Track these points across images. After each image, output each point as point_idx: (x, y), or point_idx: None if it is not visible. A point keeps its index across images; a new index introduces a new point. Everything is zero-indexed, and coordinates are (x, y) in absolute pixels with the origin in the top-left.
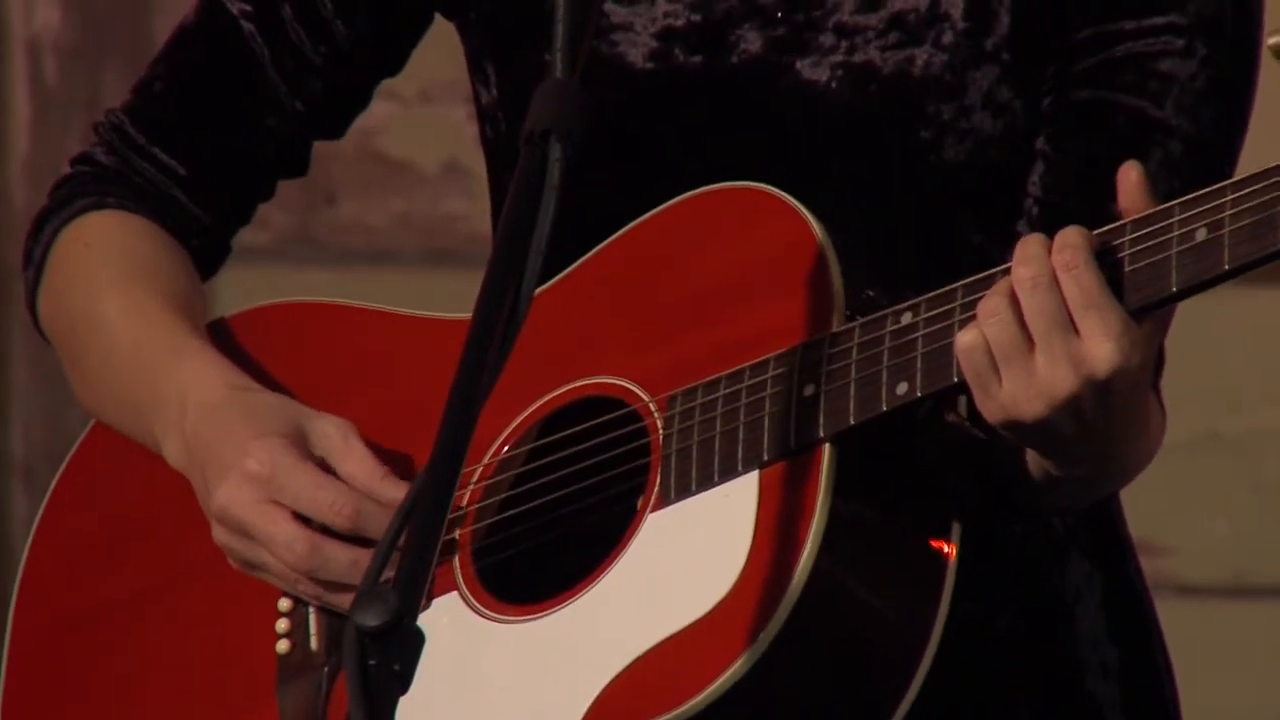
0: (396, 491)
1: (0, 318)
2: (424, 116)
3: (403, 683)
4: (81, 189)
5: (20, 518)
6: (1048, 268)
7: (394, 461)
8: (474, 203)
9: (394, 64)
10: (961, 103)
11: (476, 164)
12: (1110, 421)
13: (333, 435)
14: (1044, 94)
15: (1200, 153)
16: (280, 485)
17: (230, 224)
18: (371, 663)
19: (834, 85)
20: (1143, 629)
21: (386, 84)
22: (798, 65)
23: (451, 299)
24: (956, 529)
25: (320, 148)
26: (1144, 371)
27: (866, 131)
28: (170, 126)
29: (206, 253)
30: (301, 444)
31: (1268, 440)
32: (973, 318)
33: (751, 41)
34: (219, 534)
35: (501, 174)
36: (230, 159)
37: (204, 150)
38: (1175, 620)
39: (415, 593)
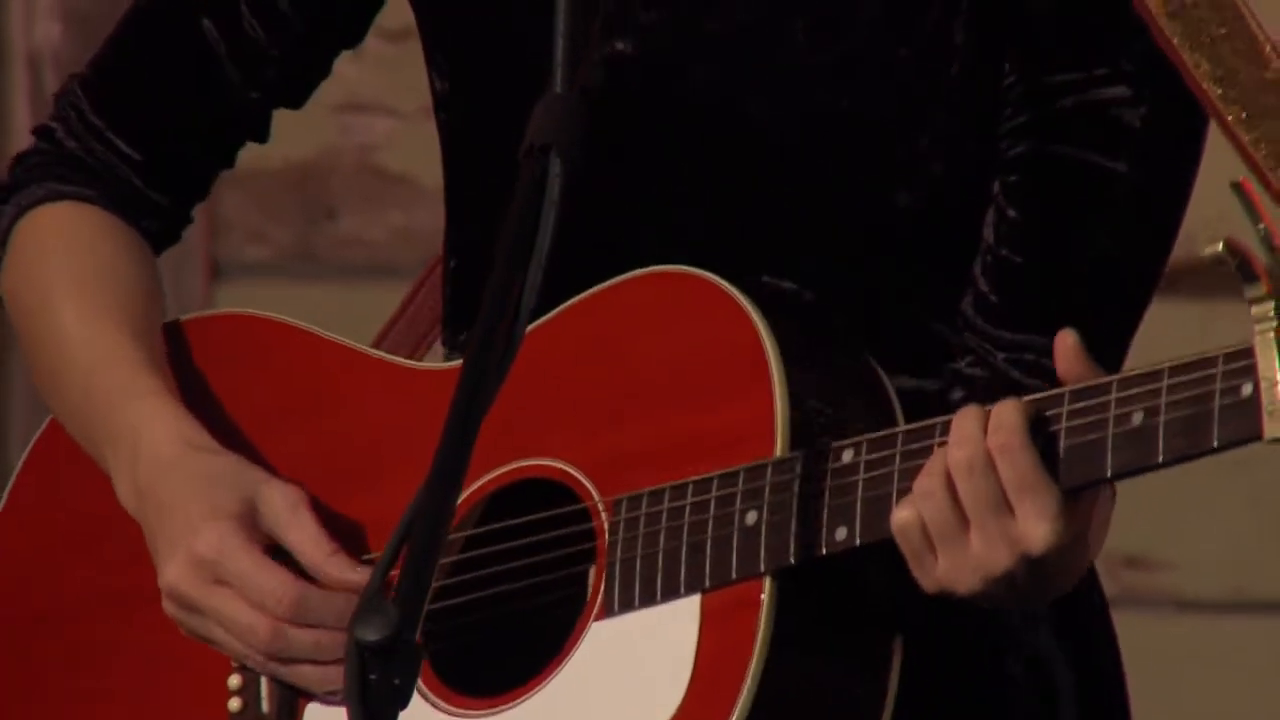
0: (341, 571)
1: None
2: (423, 131)
3: (402, 698)
4: (42, 171)
5: None
6: (983, 449)
7: (337, 504)
8: None
9: (352, 40)
10: (914, 146)
11: None
12: (1046, 584)
13: (280, 508)
14: (998, 140)
15: (1153, 200)
16: (226, 569)
17: (188, 201)
18: (372, 677)
19: (782, 124)
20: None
21: (386, 99)
22: (747, 102)
23: None
24: (899, 649)
25: (319, 162)
26: (1080, 541)
27: (815, 172)
28: (126, 113)
29: (166, 231)
30: (249, 522)
31: (1266, 453)
32: (912, 480)
33: (700, 75)
34: (169, 607)
35: (454, 162)
36: (187, 143)
37: (160, 136)
38: (1174, 635)
39: (415, 607)
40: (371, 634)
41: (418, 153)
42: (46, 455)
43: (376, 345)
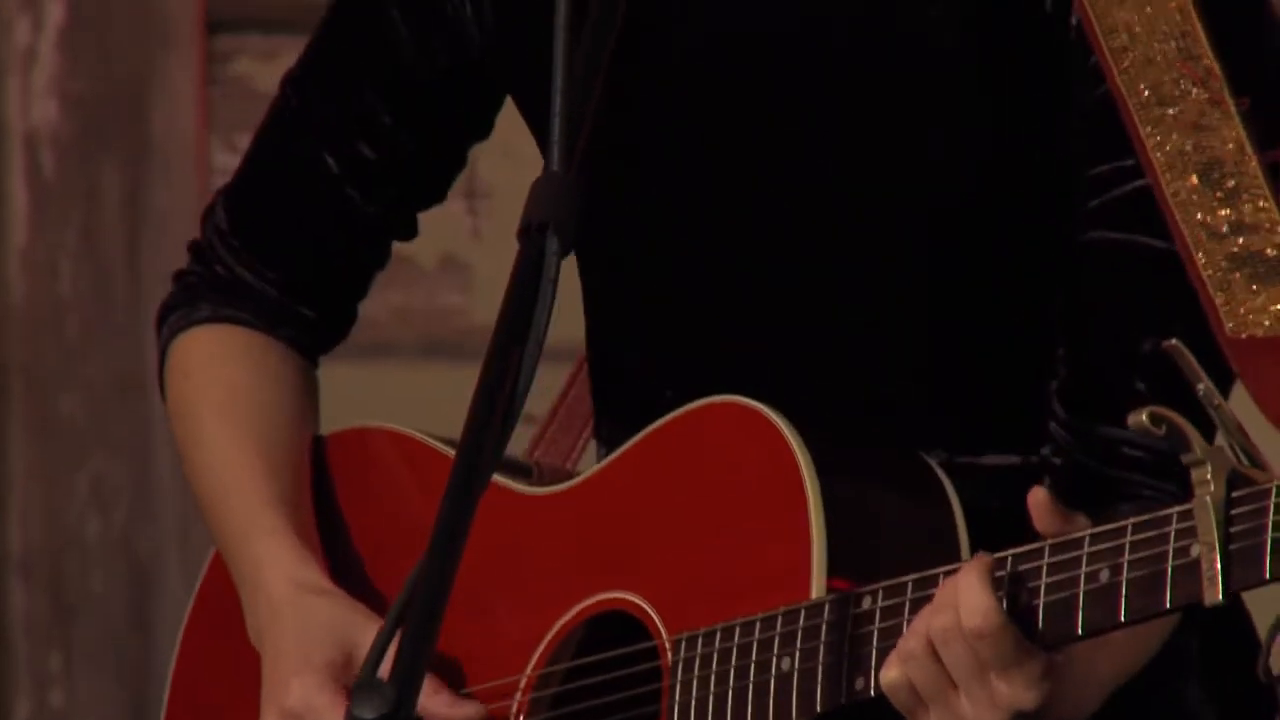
0: (441, 708)
1: None
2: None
3: None
4: (195, 292)
5: (19, 611)
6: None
7: (443, 635)
8: (472, 296)
9: (479, 135)
10: (997, 232)
11: (474, 258)
12: (1049, 715)
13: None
14: (1062, 229)
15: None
16: None
17: (342, 306)
18: None
19: (865, 210)
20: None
21: None
22: (831, 193)
23: (449, 392)
24: None
25: None
26: (1078, 686)
27: (903, 259)
28: (260, 236)
29: (324, 337)
30: (339, 674)
31: None
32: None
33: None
34: None
35: (584, 254)
36: (322, 260)
37: (295, 257)
38: None
39: (412, 686)
40: (368, 713)
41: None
42: (215, 584)
43: (534, 444)
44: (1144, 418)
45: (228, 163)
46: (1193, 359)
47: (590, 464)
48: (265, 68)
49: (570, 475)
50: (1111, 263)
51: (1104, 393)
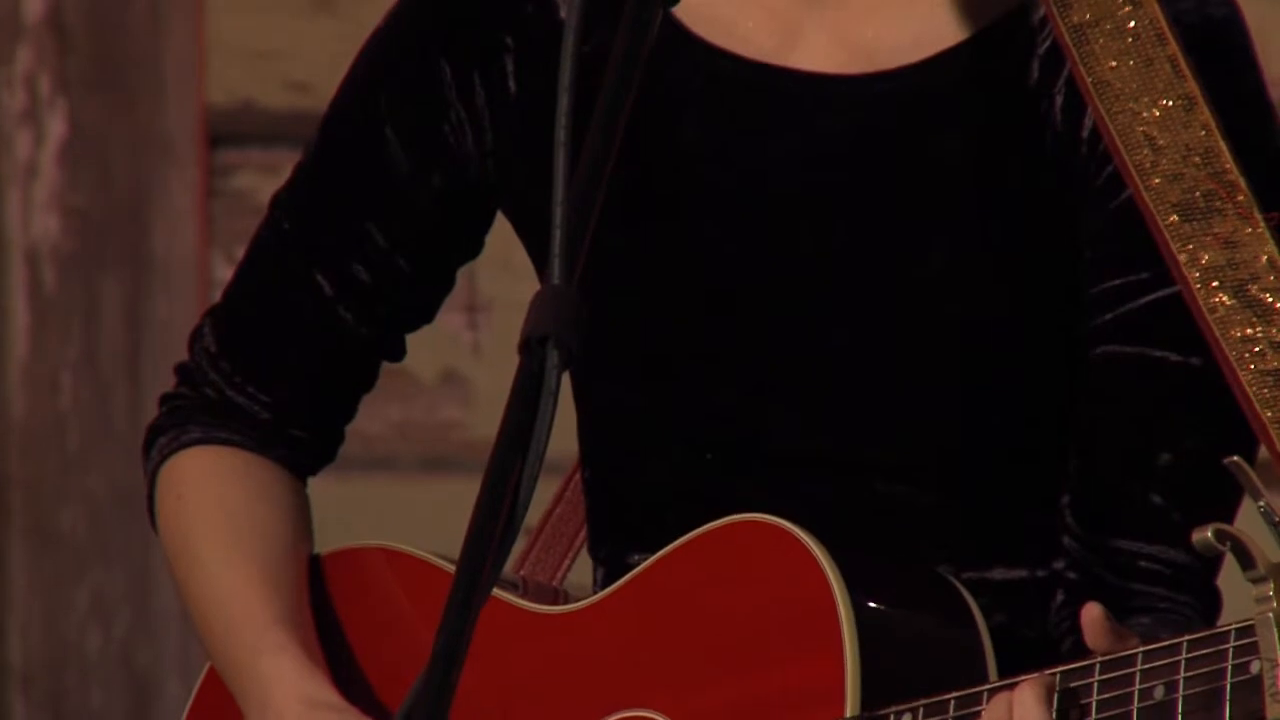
0: None
1: None
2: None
3: None
4: (184, 415)
5: None
6: None
7: None
8: (471, 411)
9: (469, 256)
10: (1010, 348)
11: (474, 373)
12: None
13: None
14: (1079, 344)
15: (1230, 393)
16: None
17: (331, 427)
18: None
19: (883, 330)
20: None
21: None
22: (839, 313)
23: (449, 507)
24: None
25: None
26: None
27: (918, 373)
28: (250, 358)
29: (315, 457)
30: None
31: None
32: None
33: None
34: None
35: (581, 372)
36: (313, 382)
37: (285, 379)
38: None
39: None
40: None
41: (415, 347)
42: (209, 698)
43: (523, 559)
44: (1209, 535)
45: (228, 277)
46: (1253, 475)
47: (579, 580)
48: (266, 182)
49: (561, 592)
50: (1126, 376)
51: (1119, 506)
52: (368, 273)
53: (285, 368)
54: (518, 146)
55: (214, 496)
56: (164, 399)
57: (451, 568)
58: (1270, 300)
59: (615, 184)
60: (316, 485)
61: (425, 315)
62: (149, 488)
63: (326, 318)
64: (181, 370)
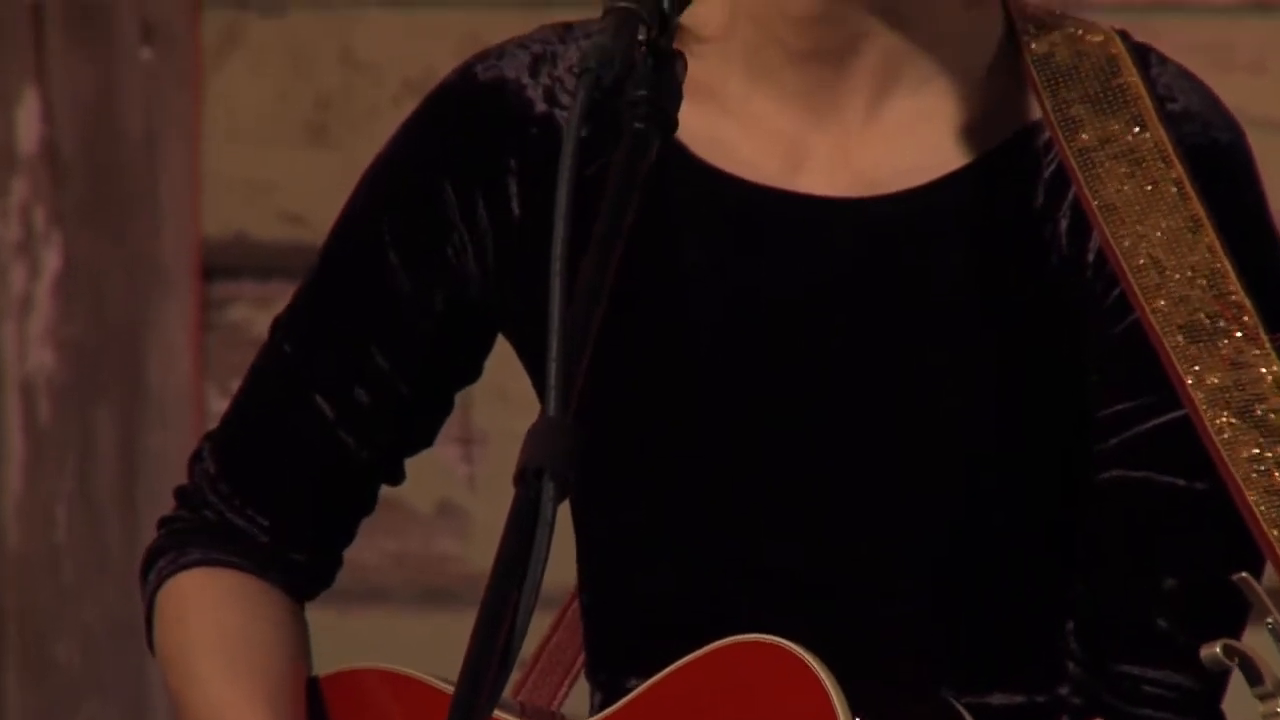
0: None
1: None
2: (417, 456)
3: None
4: (183, 538)
5: None
6: None
7: None
8: (467, 543)
9: (467, 380)
10: (1012, 471)
11: (470, 504)
12: None
13: None
14: (1084, 469)
15: (1238, 517)
16: None
17: (330, 551)
18: None
19: (882, 452)
20: None
21: None
22: (839, 433)
23: (445, 639)
24: None
25: None
26: None
27: (917, 496)
28: (250, 481)
29: (313, 580)
30: None
31: None
32: None
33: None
34: None
35: (579, 496)
36: (313, 505)
37: (285, 502)
38: None
39: None
40: None
41: (412, 477)
42: None
43: (520, 687)
44: (1218, 650)
45: (223, 409)
46: (1262, 592)
47: (577, 706)
48: (261, 314)
49: (559, 716)
50: (1132, 501)
51: (1125, 631)
52: (369, 396)
53: (285, 490)
54: (520, 269)
55: (213, 616)
56: (163, 521)
57: (450, 689)
58: (1277, 420)
59: (616, 306)
60: (311, 617)
61: (426, 439)
62: (147, 609)
63: (327, 441)
64: (180, 493)
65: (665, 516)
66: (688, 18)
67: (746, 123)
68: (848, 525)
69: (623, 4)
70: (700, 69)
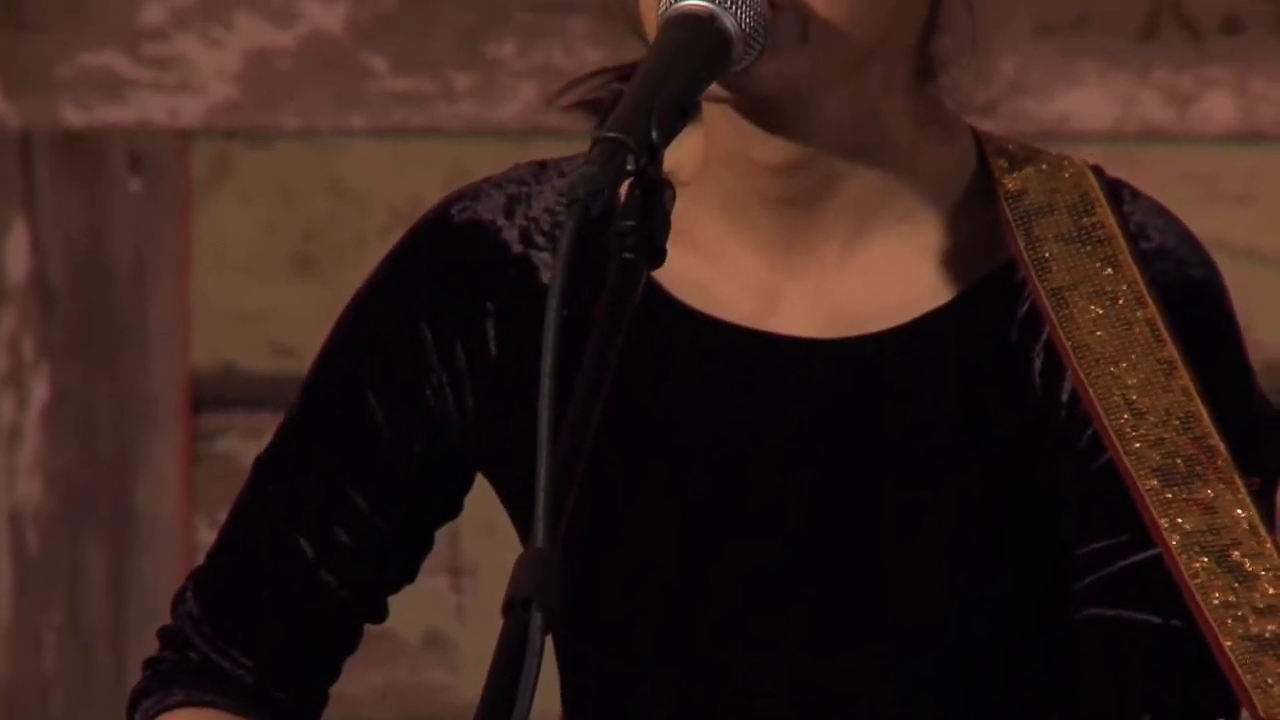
0: None
1: None
2: (404, 591)
3: None
4: (168, 679)
5: None
6: None
7: None
8: (456, 674)
9: (448, 517)
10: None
11: (457, 634)
12: None
13: None
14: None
15: (1212, 653)
16: None
17: (314, 689)
18: None
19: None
20: None
21: None
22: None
23: None
24: None
25: None
26: None
27: (894, 613)
28: (232, 622)
29: (297, 717)
30: None
31: None
32: None
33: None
34: None
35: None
36: (295, 645)
37: (267, 643)
38: None
39: None
40: None
41: (400, 608)
42: None
43: None
44: None
45: (212, 540)
46: None
47: None
48: (250, 446)
49: None
50: (1107, 639)
51: None
52: (349, 536)
53: (268, 631)
54: (499, 410)
55: None
56: (148, 663)
57: None
58: (1251, 566)
59: (598, 445)
60: None
61: (407, 576)
62: None
63: (308, 581)
64: (165, 634)
65: (652, 647)
66: (664, 160)
67: (721, 264)
68: (834, 654)
69: (611, 134)
70: (676, 211)
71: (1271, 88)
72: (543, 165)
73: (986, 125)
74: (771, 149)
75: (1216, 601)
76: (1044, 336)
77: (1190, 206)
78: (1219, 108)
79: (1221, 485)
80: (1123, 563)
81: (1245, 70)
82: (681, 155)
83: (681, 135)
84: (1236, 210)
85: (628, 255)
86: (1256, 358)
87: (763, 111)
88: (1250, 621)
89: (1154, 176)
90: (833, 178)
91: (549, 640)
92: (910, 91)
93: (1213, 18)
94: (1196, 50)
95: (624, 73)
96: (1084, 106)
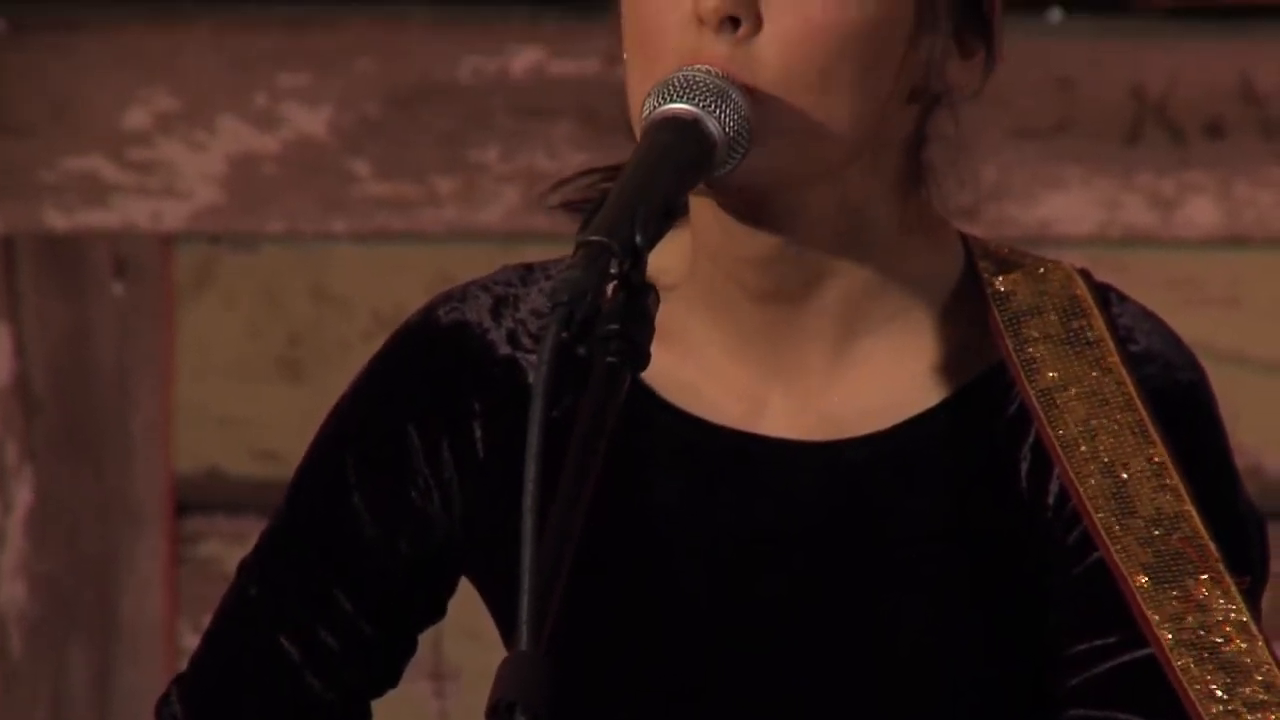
0: None
1: None
2: (387, 693)
3: None
4: None
5: None
6: None
7: None
8: None
9: (433, 619)
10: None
11: None
12: None
13: None
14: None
15: None
16: None
17: None
18: None
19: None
20: None
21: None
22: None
23: None
24: None
25: None
26: None
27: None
28: None
29: None
30: None
31: None
32: None
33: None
34: None
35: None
36: None
37: None
38: None
39: None
40: None
41: (383, 714)
42: None
43: None
44: None
45: (196, 645)
46: None
47: None
48: (233, 550)
49: None
50: None
51: None
52: (334, 639)
53: None
54: (485, 512)
55: None
56: None
57: None
58: (1242, 660)
59: (585, 546)
60: None
61: (391, 679)
62: None
63: (293, 685)
64: None
65: None
66: (651, 263)
67: (710, 367)
68: None
69: (594, 237)
70: (664, 312)
71: (1255, 192)
72: (529, 268)
73: (969, 230)
74: (758, 244)
75: (1209, 699)
76: (1031, 437)
77: (1175, 310)
78: (1202, 212)
79: (1213, 583)
80: (1111, 663)
81: (1228, 174)
82: (669, 257)
83: (668, 237)
84: (1221, 314)
85: (611, 359)
86: (1241, 461)
87: (748, 207)
88: (1242, 715)
89: (1138, 281)
90: (819, 274)
91: None
92: (898, 193)
93: (1196, 121)
94: (1180, 154)
95: (611, 173)
96: (1067, 211)
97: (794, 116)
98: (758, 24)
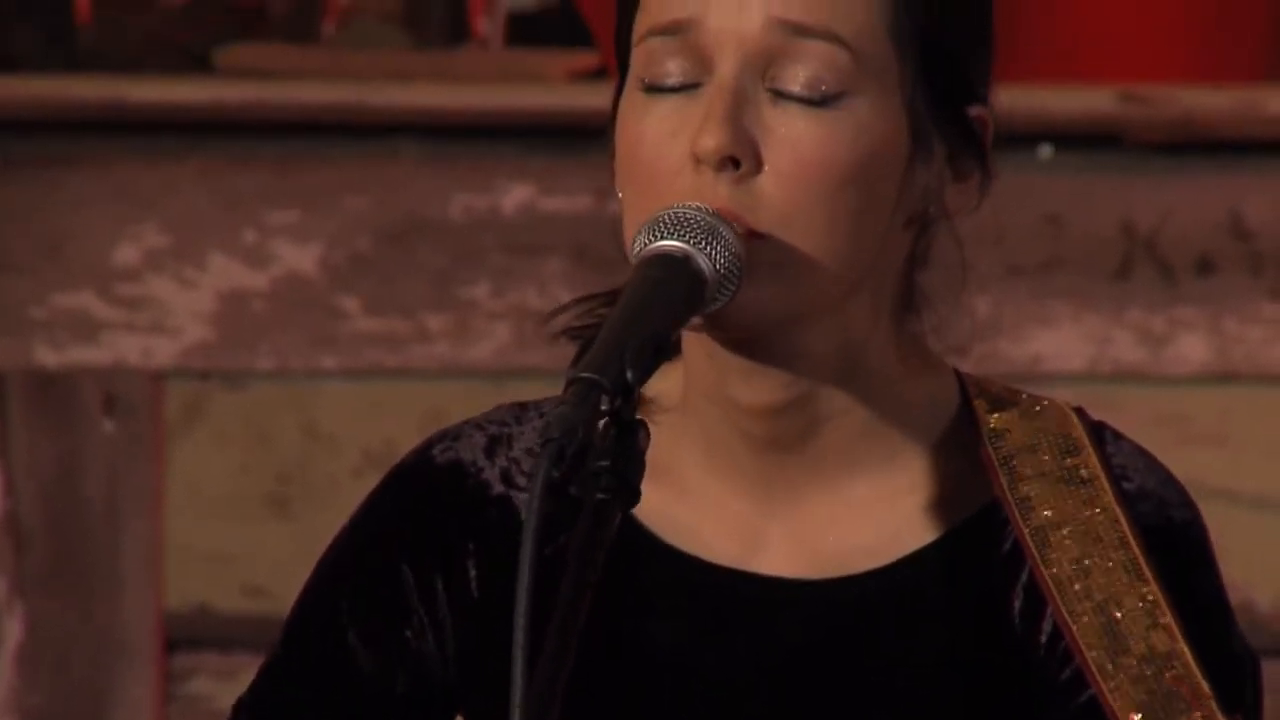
0: None
1: None
2: None
3: None
4: None
5: None
6: None
7: None
8: None
9: None
10: None
11: None
12: None
13: None
14: None
15: None
16: None
17: None
18: None
19: None
20: None
21: None
22: None
23: None
24: None
25: None
26: None
27: None
28: None
29: None
30: None
31: None
32: None
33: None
34: None
35: None
36: None
37: None
38: None
39: None
40: None
41: None
42: None
43: None
44: None
45: None
46: None
47: None
48: (223, 687)
49: None
50: None
51: None
52: None
53: None
54: (480, 650)
55: None
56: None
57: None
58: None
59: (580, 685)
60: None
61: None
62: None
63: None
64: None
65: None
66: (647, 389)
67: (704, 505)
68: None
69: (586, 374)
70: (659, 443)
71: (1244, 328)
72: (523, 406)
73: (960, 366)
74: (754, 389)
75: None
76: (1024, 576)
77: (1164, 447)
78: (1192, 348)
79: None
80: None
81: (1218, 311)
82: (664, 384)
83: (662, 367)
84: (1210, 451)
85: (601, 495)
86: (1231, 597)
87: (744, 346)
88: None
89: (1128, 417)
90: (818, 419)
91: None
92: (895, 321)
93: (1186, 258)
94: (1170, 291)
95: (608, 299)
96: (1057, 347)
97: (795, 252)
98: (758, 164)
